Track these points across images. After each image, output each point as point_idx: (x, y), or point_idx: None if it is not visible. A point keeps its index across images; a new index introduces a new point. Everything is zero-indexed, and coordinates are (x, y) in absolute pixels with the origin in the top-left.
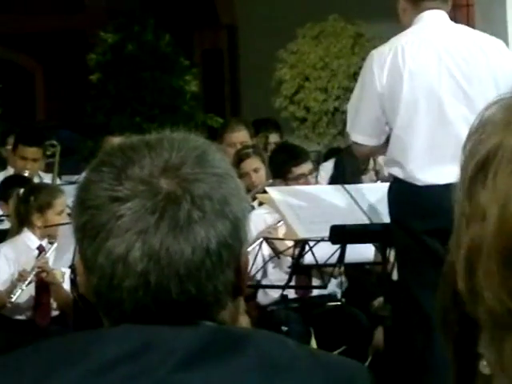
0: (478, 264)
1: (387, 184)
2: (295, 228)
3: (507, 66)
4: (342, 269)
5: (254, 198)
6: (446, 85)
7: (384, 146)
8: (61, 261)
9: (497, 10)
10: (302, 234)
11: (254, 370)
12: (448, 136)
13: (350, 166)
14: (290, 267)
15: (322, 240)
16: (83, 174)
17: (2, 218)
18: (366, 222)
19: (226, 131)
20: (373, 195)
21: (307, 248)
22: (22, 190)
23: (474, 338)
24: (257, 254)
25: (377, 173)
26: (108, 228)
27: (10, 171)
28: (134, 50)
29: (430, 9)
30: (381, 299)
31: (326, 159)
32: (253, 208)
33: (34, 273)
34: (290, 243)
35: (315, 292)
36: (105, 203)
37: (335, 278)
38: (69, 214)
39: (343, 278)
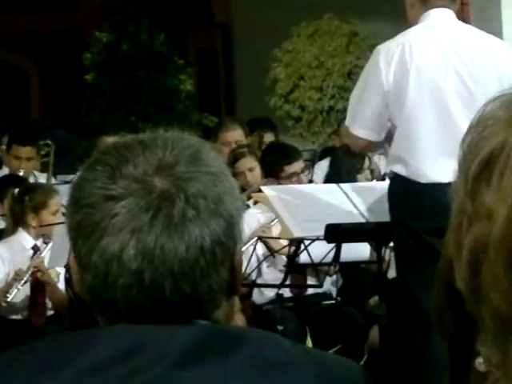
0: (482, 264)
1: (382, 183)
2: (290, 227)
3: (511, 65)
4: (337, 267)
5: (249, 197)
6: (451, 83)
7: (380, 143)
8: (56, 260)
9: (492, 9)
10: (297, 233)
11: (248, 369)
12: (452, 134)
13: (345, 165)
14: (285, 266)
15: (318, 239)
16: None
17: None
18: (362, 220)
19: (221, 130)
20: (368, 194)
21: (302, 247)
22: (16, 190)
23: (469, 336)
24: (252, 254)
25: (372, 172)
26: (102, 226)
27: (6, 171)
28: (129, 50)
29: (437, 7)
30: (376, 298)
31: (321, 158)
32: (248, 207)
33: (29, 272)
34: (285, 242)
35: (310, 291)
36: (99, 202)
37: (330, 275)
38: (64, 214)
39: (338, 277)
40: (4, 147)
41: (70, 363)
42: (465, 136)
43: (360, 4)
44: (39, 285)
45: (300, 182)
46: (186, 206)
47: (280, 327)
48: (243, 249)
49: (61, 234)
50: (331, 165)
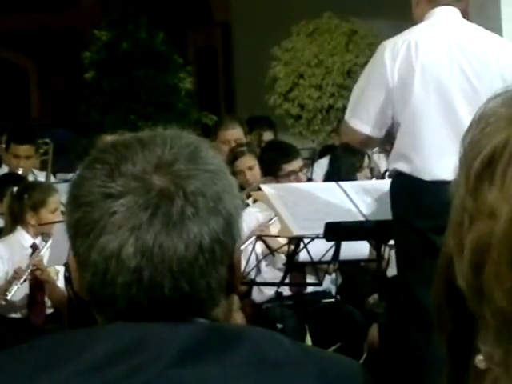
0: (485, 263)
1: (382, 181)
2: (290, 225)
3: None
4: (337, 266)
5: (249, 196)
6: (456, 80)
7: (378, 140)
8: (55, 259)
9: (491, 7)
10: (296, 232)
11: (247, 367)
12: (456, 131)
13: (344, 164)
14: (284, 264)
15: (317, 237)
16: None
17: None
18: (361, 219)
19: (220, 129)
20: (367, 192)
21: (302, 245)
22: (15, 189)
23: (468, 334)
24: (251, 252)
25: (372, 170)
26: (101, 225)
27: (5, 170)
28: (128, 48)
29: (443, 5)
30: (375, 296)
31: (321, 156)
32: (247, 205)
33: (28, 270)
34: (284, 241)
35: (310, 289)
36: (98, 200)
37: (330, 274)
38: (62, 212)
39: (338, 275)
40: (3, 146)
41: (69, 362)
42: (466, 133)
43: (359, 2)
44: (38, 283)
45: (298, 180)
46: (185, 203)
47: (279, 325)
48: (242, 247)
49: (60, 232)
50: (331, 163)
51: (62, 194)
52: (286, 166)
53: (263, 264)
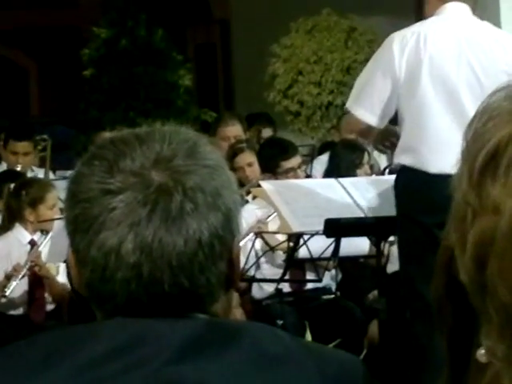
0: (489, 258)
1: (382, 177)
2: (289, 222)
3: None
4: (337, 262)
5: (248, 192)
6: (463, 75)
7: (375, 133)
8: (55, 255)
9: (490, 3)
10: (296, 228)
11: (247, 363)
12: (462, 125)
13: (344, 160)
14: (284, 261)
15: (317, 234)
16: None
17: None
18: (361, 215)
19: (220, 125)
20: (367, 188)
21: (302, 242)
22: (12, 185)
23: (469, 328)
24: (250, 249)
25: (371, 167)
26: (100, 221)
27: (4, 166)
28: (128, 46)
29: (454, 0)
30: (375, 292)
31: (320, 153)
32: (246, 202)
33: (27, 267)
34: (283, 237)
35: (309, 285)
36: (97, 196)
37: (329, 270)
38: (61, 210)
39: (338, 271)
40: (1, 143)
41: (68, 358)
42: (468, 126)
43: None
44: (37, 280)
45: (297, 177)
46: (184, 199)
47: (279, 322)
48: (241, 244)
49: (60, 229)
50: (330, 160)
51: (61, 191)
52: (285, 163)
53: (262, 261)
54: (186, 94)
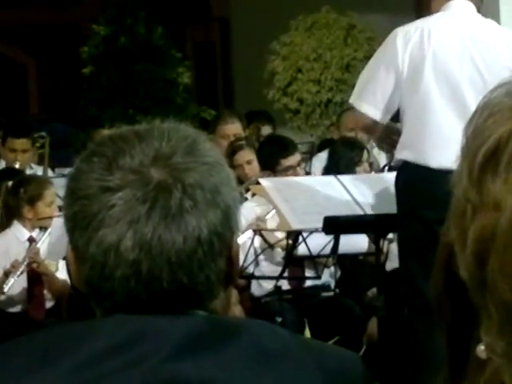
0: (489, 254)
1: (381, 175)
2: (288, 219)
3: None
4: (336, 259)
5: (247, 190)
6: (467, 71)
7: (379, 129)
8: (55, 253)
9: (489, 4)
10: (295, 225)
11: (246, 359)
12: (464, 121)
13: (343, 158)
14: (283, 258)
15: (316, 231)
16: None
17: None
18: (360, 212)
19: (220, 123)
20: (366, 186)
21: (300, 239)
22: (10, 183)
23: (468, 324)
24: (249, 247)
25: (371, 165)
26: (99, 218)
27: (3, 164)
28: (127, 43)
29: None
30: (374, 290)
31: (319, 150)
32: (245, 199)
33: (25, 263)
34: (282, 234)
35: (309, 283)
36: (96, 193)
37: (328, 267)
38: (60, 208)
39: (337, 268)
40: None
41: (67, 355)
42: (469, 122)
43: None
44: (36, 277)
45: (296, 175)
46: (183, 196)
47: (278, 319)
48: (240, 242)
49: (59, 226)
50: (330, 157)
51: (60, 188)
52: (284, 161)
53: (261, 258)
54: (185, 91)
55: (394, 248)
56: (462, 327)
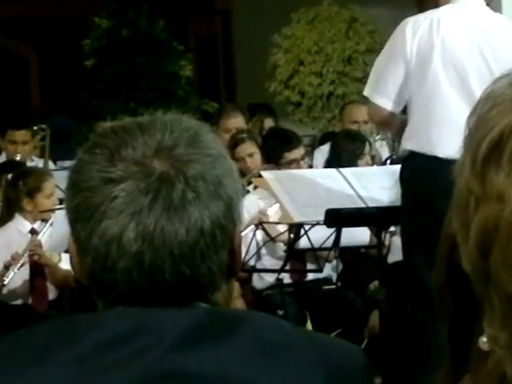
0: (492, 246)
1: (383, 167)
2: (290, 212)
3: None
4: (337, 253)
5: (249, 183)
6: (474, 61)
7: (396, 122)
8: (57, 245)
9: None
10: (297, 218)
11: (249, 351)
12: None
13: (345, 151)
14: (285, 251)
15: (318, 224)
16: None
17: None
18: (361, 205)
19: (222, 117)
20: (368, 179)
21: (302, 232)
22: (10, 176)
23: (470, 316)
24: (251, 240)
25: (373, 158)
26: (102, 210)
27: (4, 157)
28: (129, 36)
29: None
30: (376, 283)
31: (321, 143)
32: (247, 192)
33: (25, 255)
34: (284, 228)
35: (310, 276)
36: (98, 185)
37: (330, 262)
38: (61, 201)
39: (338, 262)
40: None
41: (69, 347)
42: (471, 113)
43: None
44: (38, 269)
45: (299, 168)
46: (186, 188)
47: (280, 312)
48: (242, 234)
49: (61, 219)
50: (331, 150)
51: (62, 181)
52: (288, 155)
53: (264, 252)
54: (187, 84)
55: (395, 241)
56: (464, 319)
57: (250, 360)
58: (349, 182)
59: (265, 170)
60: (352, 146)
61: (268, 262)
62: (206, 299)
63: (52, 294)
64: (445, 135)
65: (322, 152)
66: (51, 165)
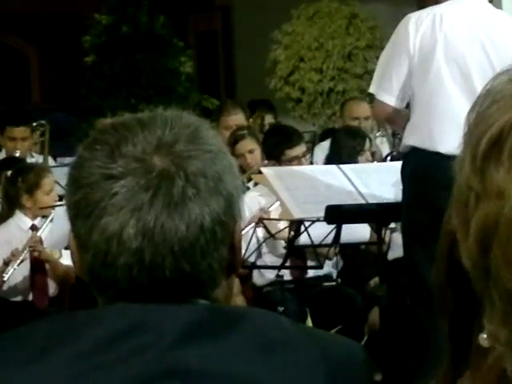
0: (493, 243)
1: (383, 164)
2: (290, 208)
3: None
4: (337, 249)
5: (250, 179)
6: (477, 58)
7: (402, 118)
8: (57, 242)
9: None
10: (297, 214)
11: (249, 348)
12: None
13: (345, 147)
14: (285, 247)
15: (318, 220)
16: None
17: None
18: (362, 201)
19: (223, 114)
20: (368, 175)
21: (302, 228)
22: (9, 172)
23: (470, 313)
24: (251, 236)
25: (373, 154)
26: (102, 206)
27: (4, 154)
28: (129, 32)
29: None
30: (376, 279)
31: (322, 139)
32: (248, 189)
33: (25, 251)
34: (284, 225)
35: (311, 273)
36: (98, 181)
37: (330, 259)
38: (60, 197)
39: (338, 258)
40: None
41: (69, 343)
42: (471, 109)
43: None
44: (38, 265)
45: (301, 165)
46: (186, 184)
47: (280, 308)
48: (243, 232)
49: (62, 215)
50: (331, 146)
51: (62, 177)
52: (289, 152)
53: (265, 251)
54: (188, 80)
55: (396, 237)
56: (463, 315)
57: (250, 357)
58: (349, 179)
59: (265, 166)
60: (352, 142)
61: (269, 259)
62: (206, 296)
63: (52, 290)
64: (447, 131)
65: (323, 148)
66: (51, 161)
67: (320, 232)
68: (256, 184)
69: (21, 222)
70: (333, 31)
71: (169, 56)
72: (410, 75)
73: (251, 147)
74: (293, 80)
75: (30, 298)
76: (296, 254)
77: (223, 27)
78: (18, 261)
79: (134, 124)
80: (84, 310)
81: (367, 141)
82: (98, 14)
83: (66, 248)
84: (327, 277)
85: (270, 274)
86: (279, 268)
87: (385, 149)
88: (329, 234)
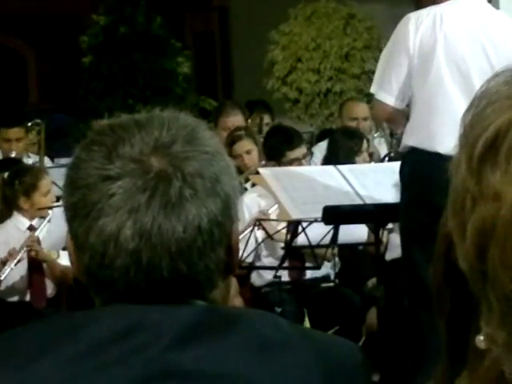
0: (490, 246)
1: (381, 165)
2: (288, 209)
3: None
4: (336, 250)
5: (247, 180)
6: (477, 58)
7: (402, 116)
8: (54, 243)
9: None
10: (294, 215)
11: (246, 348)
12: None
13: (343, 148)
14: (283, 248)
15: (315, 221)
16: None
17: None
18: (359, 202)
19: (222, 115)
20: (366, 176)
21: (300, 229)
22: (6, 174)
23: (467, 314)
24: (249, 237)
25: (371, 155)
26: (99, 207)
27: (0, 156)
28: (126, 33)
29: None
30: (374, 280)
31: (319, 140)
32: (245, 190)
33: (22, 251)
34: (283, 225)
35: (309, 274)
36: (96, 182)
37: (328, 261)
38: (58, 198)
39: (336, 260)
40: None
41: (67, 344)
42: (466, 111)
43: None
44: (36, 265)
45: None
46: (183, 185)
47: (278, 309)
48: (242, 235)
49: (59, 216)
50: (329, 147)
51: (60, 178)
52: (290, 153)
53: (264, 254)
54: (185, 81)
55: (393, 238)
56: (461, 317)
57: (247, 358)
58: (346, 179)
59: (265, 166)
60: (350, 143)
61: (267, 261)
62: (203, 297)
63: (50, 290)
64: (446, 131)
65: (320, 149)
66: (49, 162)
67: (318, 233)
68: (254, 185)
69: (18, 222)
70: (330, 31)
71: (166, 56)
72: (409, 75)
73: (248, 148)
74: (290, 80)
75: (28, 298)
76: (294, 255)
77: (220, 28)
78: (15, 260)
79: (131, 125)
80: (82, 311)
81: (365, 141)
82: (95, 15)
83: (64, 249)
84: (325, 278)
85: (268, 275)
86: (277, 269)
87: (383, 149)
88: (326, 235)
